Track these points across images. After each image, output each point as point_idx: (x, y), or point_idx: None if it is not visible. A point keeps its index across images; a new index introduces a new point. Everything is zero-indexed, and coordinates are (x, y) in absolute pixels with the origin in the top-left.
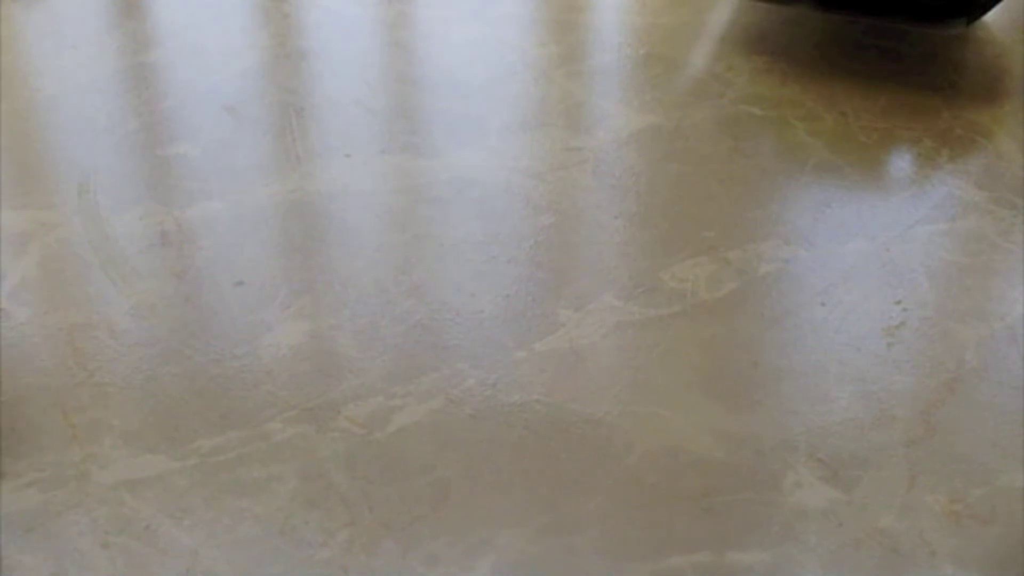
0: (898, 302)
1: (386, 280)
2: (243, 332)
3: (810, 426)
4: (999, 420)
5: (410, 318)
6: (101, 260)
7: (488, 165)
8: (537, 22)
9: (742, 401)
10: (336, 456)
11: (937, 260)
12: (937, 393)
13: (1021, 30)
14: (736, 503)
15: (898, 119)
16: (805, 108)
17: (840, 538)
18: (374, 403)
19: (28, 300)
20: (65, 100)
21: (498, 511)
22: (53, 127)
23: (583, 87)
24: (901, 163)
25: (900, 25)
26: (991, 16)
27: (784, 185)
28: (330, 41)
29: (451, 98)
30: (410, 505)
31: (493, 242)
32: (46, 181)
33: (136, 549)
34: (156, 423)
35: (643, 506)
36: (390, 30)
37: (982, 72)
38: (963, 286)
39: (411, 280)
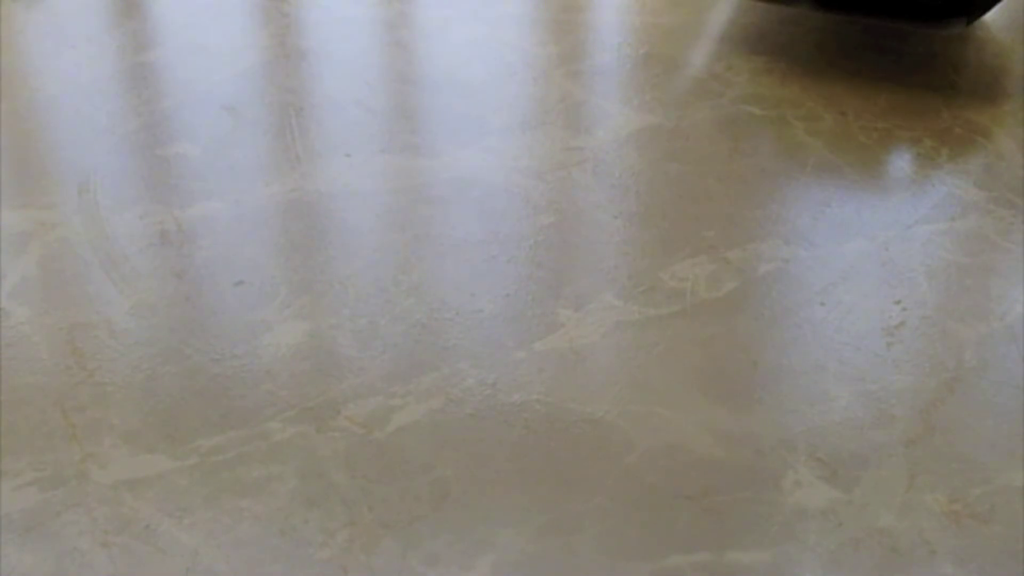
0: (898, 302)
1: (386, 280)
2: (243, 332)
3: (810, 425)
4: (999, 420)
5: (410, 317)
6: (101, 260)
7: (488, 165)
8: (537, 22)
9: (742, 401)
10: (336, 456)
11: (937, 260)
12: (937, 393)
13: (1021, 30)
14: (736, 503)
15: (898, 119)
16: (805, 108)
17: (840, 537)
18: (374, 402)
19: (28, 300)
20: (65, 100)
21: (498, 511)
22: (53, 127)
23: (583, 87)
24: (901, 163)
25: (900, 25)
26: (991, 16)
27: (784, 185)
28: (330, 41)
29: (451, 98)
30: (410, 505)
31: (493, 242)
32: (46, 181)
33: (136, 548)
34: (156, 423)
35: (643, 506)
36: (390, 30)
37: (982, 72)
38: (963, 286)
39: (411, 280)
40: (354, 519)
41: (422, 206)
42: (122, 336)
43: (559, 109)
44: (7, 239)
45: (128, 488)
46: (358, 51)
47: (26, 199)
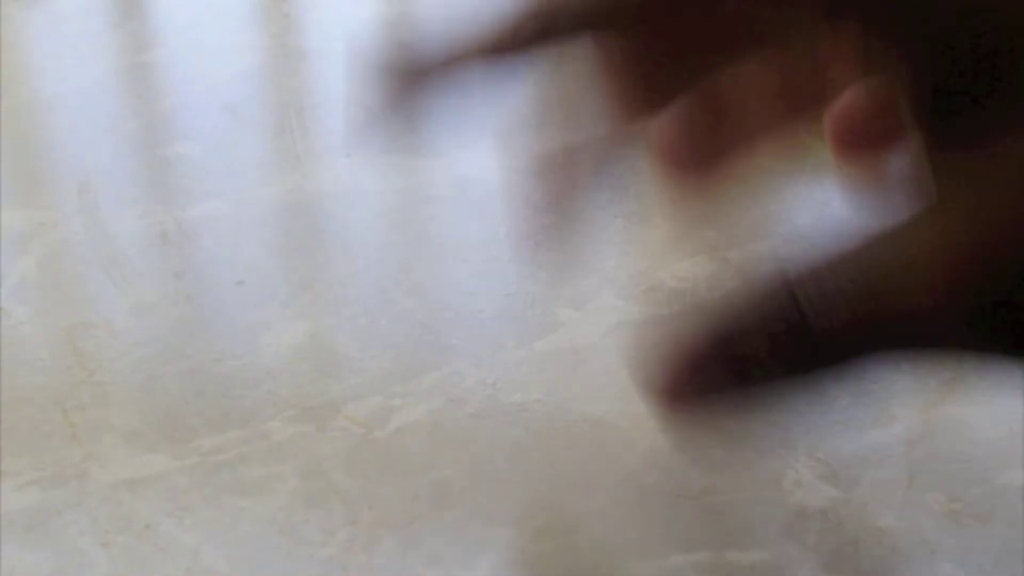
0: None
1: (386, 280)
2: (243, 332)
3: (810, 426)
4: (999, 420)
5: (410, 318)
6: (101, 260)
7: (488, 165)
8: None
9: (741, 400)
10: (336, 455)
11: None
12: (937, 393)
13: None
14: (736, 503)
15: None
16: None
17: (840, 537)
18: (374, 402)
19: (28, 300)
20: (65, 100)
21: (498, 511)
22: (53, 127)
23: (583, 87)
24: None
25: None
26: None
27: (784, 185)
28: (330, 41)
29: (451, 98)
30: (410, 505)
31: (493, 242)
32: (46, 181)
33: (136, 548)
34: (156, 422)
35: (643, 505)
36: (390, 30)
37: None
38: None
39: (411, 280)
40: (354, 519)
41: (422, 206)
42: (122, 336)
43: (559, 109)
44: (7, 239)
45: (128, 488)
46: (358, 51)
47: (26, 199)
